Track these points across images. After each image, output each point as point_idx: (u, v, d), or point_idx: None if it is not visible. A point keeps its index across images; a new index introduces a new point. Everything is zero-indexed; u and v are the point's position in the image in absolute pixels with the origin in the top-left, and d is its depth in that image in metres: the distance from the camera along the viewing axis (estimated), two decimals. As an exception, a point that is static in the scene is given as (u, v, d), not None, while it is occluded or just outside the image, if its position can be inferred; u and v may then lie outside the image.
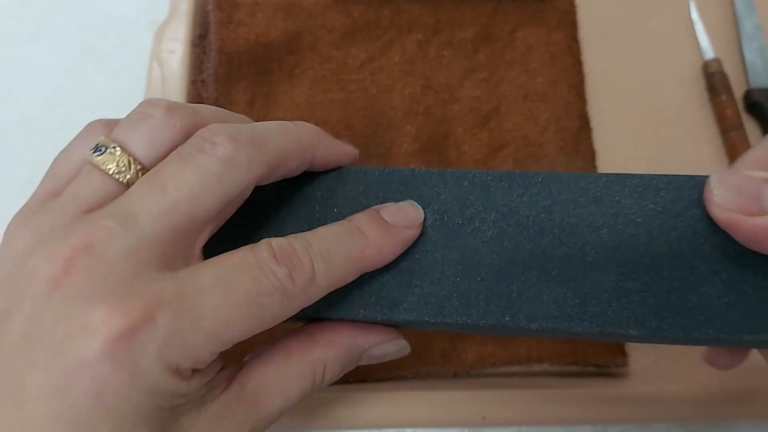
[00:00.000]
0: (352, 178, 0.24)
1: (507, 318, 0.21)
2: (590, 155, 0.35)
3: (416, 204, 0.23)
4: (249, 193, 0.21)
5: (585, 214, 0.22)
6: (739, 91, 0.37)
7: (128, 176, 0.20)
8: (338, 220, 0.23)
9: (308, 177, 0.24)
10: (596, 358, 0.31)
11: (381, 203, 0.23)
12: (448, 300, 0.22)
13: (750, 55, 0.37)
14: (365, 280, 0.22)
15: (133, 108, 0.21)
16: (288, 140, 0.22)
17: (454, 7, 0.38)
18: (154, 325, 0.17)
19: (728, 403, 0.29)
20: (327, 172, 0.23)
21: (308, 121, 0.34)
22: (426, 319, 0.22)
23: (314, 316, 0.23)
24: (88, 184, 0.20)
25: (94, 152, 0.20)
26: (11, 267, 0.19)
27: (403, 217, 0.22)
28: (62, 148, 0.25)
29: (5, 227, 0.21)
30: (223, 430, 0.20)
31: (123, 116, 0.23)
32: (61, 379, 0.17)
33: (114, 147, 0.20)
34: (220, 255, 0.20)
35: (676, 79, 0.37)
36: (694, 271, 0.21)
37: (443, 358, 0.31)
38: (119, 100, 0.39)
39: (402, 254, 0.22)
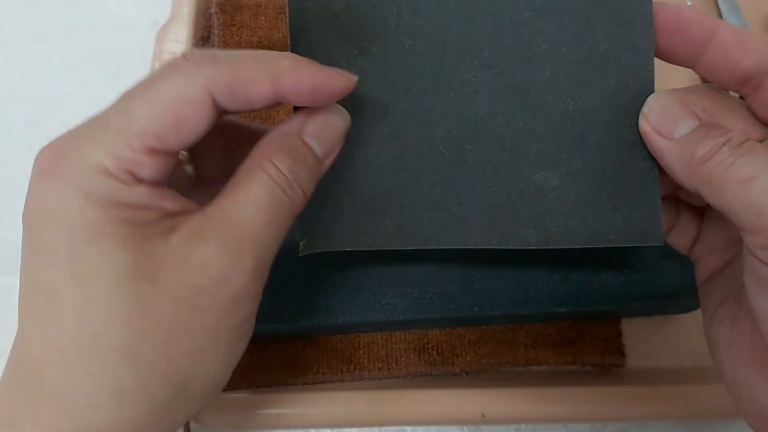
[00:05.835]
0: None
1: (476, 308, 0.28)
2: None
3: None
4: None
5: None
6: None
7: None
8: None
9: None
10: (594, 358, 0.31)
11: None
12: (432, 299, 0.28)
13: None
14: (368, 292, 0.29)
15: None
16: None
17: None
18: (75, 141, 0.20)
19: (724, 401, 0.29)
20: None
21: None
22: (416, 316, 0.28)
23: (343, 324, 0.29)
24: None
25: None
26: None
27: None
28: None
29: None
30: (199, 248, 0.19)
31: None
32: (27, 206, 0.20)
33: None
34: None
35: (675, 83, 0.38)
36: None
37: (442, 359, 0.31)
38: (122, 101, 0.39)
39: (392, 268, 0.28)
